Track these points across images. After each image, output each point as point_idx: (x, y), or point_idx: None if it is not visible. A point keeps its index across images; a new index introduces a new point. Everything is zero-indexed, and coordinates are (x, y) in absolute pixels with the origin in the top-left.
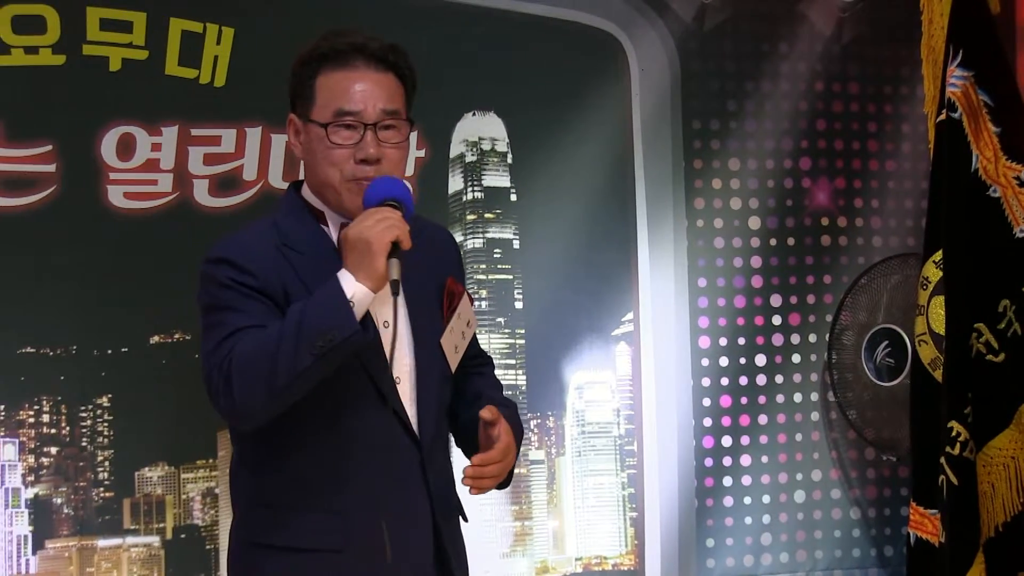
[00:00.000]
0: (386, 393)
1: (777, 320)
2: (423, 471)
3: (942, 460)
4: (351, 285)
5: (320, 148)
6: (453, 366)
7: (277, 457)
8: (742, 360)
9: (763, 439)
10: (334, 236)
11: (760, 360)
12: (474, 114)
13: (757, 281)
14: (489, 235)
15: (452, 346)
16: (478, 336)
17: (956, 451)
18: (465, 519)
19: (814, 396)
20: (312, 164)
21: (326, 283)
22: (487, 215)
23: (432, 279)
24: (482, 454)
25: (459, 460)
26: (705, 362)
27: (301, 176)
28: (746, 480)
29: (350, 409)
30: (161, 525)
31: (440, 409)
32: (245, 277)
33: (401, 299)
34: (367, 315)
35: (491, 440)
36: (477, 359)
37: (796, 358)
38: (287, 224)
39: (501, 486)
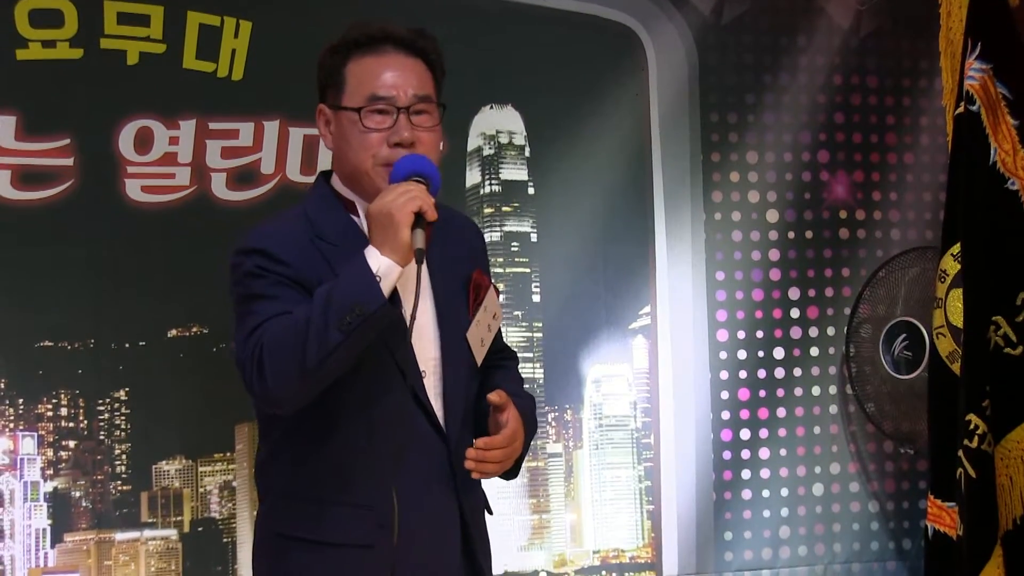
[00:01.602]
0: (412, 384)
1: (795, 313)
2: (451, 465)
3: (960, 453)
4: (376, 259)
5: (353, 133)
6: (479, 359)
7: (306, 451)
8: (760, 353)
9: (781, 432)
10: (365, 227)
11: (778, 353)
12: (492, 107)
13: (775, 274)
14: (507, 228)
15: (478, 339)
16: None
17: (974, 444)
18: (490, 512)
19: (832, 389)
20: (344, 151)
21: (352, 261)
22: (505, 208)
23: (459, 271)
24: (486, 438)
25: None
26: (723, 355)
27: (329, 166)
28: (764, 473)
29: (378, 402)
30: (179, 518)
31: (467, 403)
32: (279, 267)
33: (427, 291)
34: (395, 293)
35: (499, 426)
36: (501, 353)
37: (814, 351)
38: (318, 215)
39: (507, 476)
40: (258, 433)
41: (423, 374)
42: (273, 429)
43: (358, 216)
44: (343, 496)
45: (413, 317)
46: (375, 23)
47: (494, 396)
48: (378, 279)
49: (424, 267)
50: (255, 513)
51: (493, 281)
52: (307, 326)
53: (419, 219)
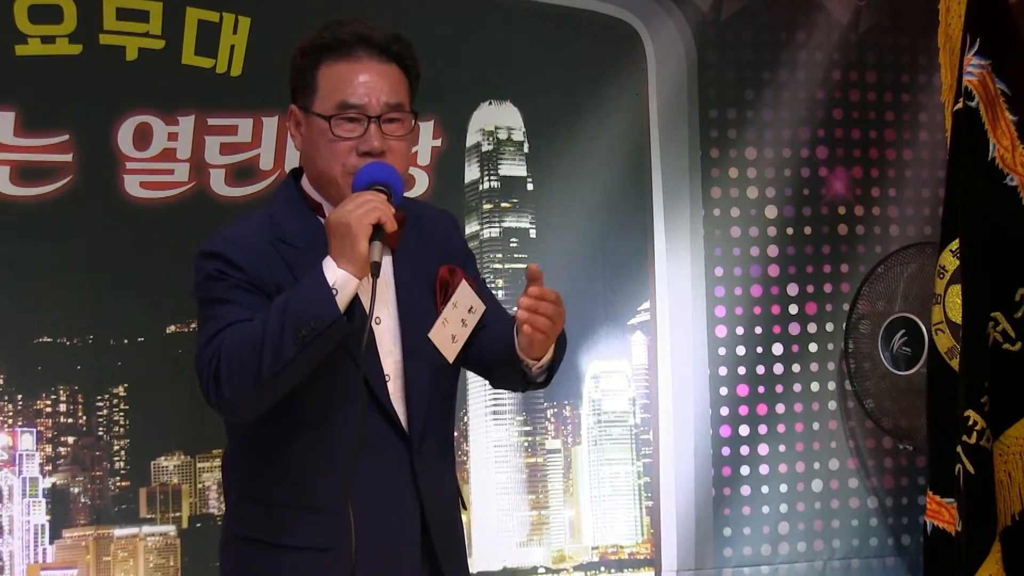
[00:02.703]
0: (374, 389)
1: (794, 309)
2: (412, 469)
3: (959, 449)
4: (333, 272)
5: (322, 141)
6: (451, 357)
7: (267, 454)
8: (759, 349)
9: (780, 428)
10: None
11: (777, 349)
12: (491, 103)
13: (774, 270)
14: (505, 224)
15: (448, 337)
16: None
17: (973, 440)
18: (464, 507)
19: (831, 385)
20: (313, 156)
21: (310, 273)
22: (504, 204)
23: (431, 267)
24: (538, 287)
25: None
26: (722, 351)
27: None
28: (763, 469)
29: (338, 407)
30: (177, 514)
31: (433, 403)
32: (236, 272)
33: (391, 294)
34: (355, 303)
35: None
36: (504, 324)
37: (813, 347)
38: (283, 217)
39: (543, 381)
40: (224, 432)
41: (387, 377)
42: (235, 431)
43: (324, 219)
44: (302, 500)
45: (369, 329)
46: (349, 24)
47: (533, 266)
48: (334, 291)
49: (390, 272)
50: None
51: (471, 274)
52: (263, 337)
53: (377, 230)
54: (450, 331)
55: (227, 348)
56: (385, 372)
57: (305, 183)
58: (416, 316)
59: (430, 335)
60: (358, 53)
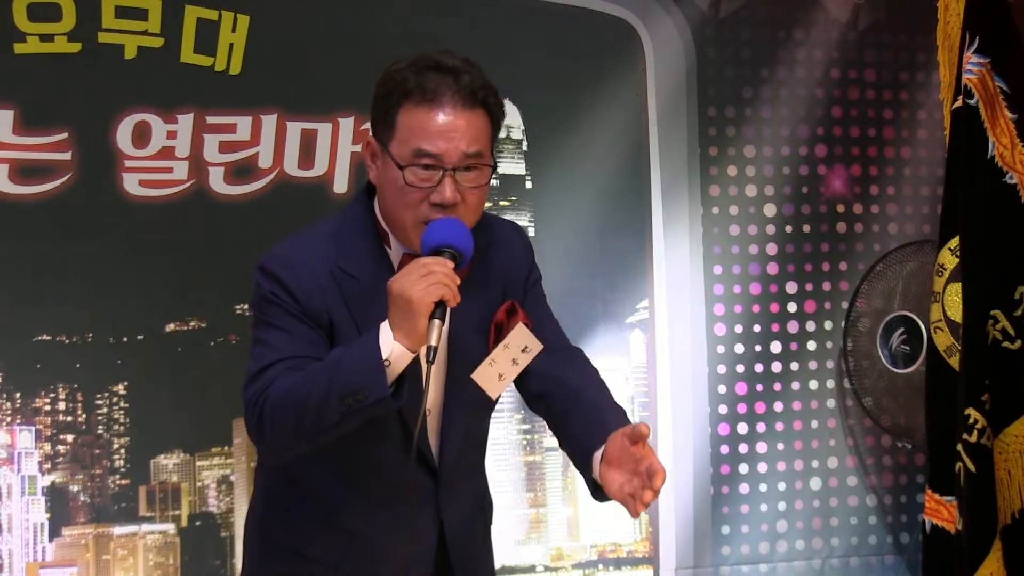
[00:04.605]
0: (410, 425)
1: (792, 307)
2: (436, 500)
3: (959, 447)
4: (388, 344)
5: (395, 185)
6: (494, 395)
7: (297, 468)
8: (757, 347)
9: (779, 426)
10: (395, 260)
11: (775, 347)
12: None
13: (773, 268)
14: None
15: (494, 375)
16: None
17: (973, 438)
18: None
19: (830, 383)
20: (385, 195)
21: (365, 336)
22: (502, 202)
23: (490, 300)
24: (651, 462)
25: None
26: (720, 349)
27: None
28: (762, 467)
29: (372, 435)
30: (176, 512)
31: (469, 438)
32: (289, 299)
33: (445, 329)
34: (403, 373)
35: (637, 458)
36: (561, 354)
37: (812, 345)
38: (349, 241)
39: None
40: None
41: (427, 413)
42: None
43: (390, 247)
44: (325, 516)
45: (424, 413)
46: (439, 65)
47: (644, 427)
48: (387, 364)
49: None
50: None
51: (535, 297)
52: (307, 398)
53: (439, 307)
54: (497, 370)
55: (273, 398)
56: (427, 408)
57: (376, 206)
58: (466, 355)
59: (474, 375)
60: (441, 100)
